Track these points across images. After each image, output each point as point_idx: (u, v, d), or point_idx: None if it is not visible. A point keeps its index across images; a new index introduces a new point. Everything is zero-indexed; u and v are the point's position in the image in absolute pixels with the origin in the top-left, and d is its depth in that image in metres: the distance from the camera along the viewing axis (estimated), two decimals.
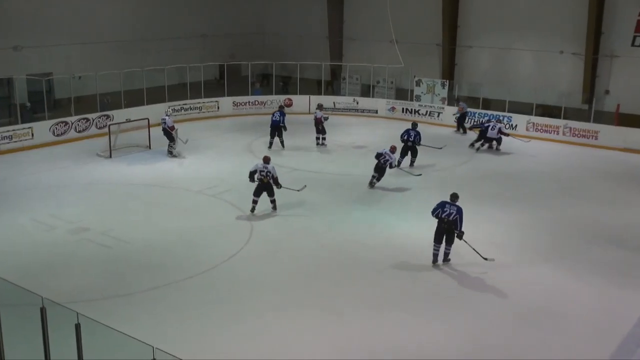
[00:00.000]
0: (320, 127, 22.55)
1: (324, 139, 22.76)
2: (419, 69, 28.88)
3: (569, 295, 11.54)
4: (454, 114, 25.87)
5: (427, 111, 27.27)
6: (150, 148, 21.19)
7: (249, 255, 13.11)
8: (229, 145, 22.19)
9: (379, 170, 17.71)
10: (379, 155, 17.62)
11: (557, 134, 24.10)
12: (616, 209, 16.36)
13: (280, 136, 21.78)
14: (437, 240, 12.60)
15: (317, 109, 23.05)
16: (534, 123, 24.67)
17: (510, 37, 28.10)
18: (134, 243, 13.51)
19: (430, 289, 11.72)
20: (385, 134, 24.46)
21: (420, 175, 18.76)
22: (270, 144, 21.77)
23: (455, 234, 12.41)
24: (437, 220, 12.54)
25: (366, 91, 29.76)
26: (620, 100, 24.41)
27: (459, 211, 12.34)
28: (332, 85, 31.78)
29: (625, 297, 11.46)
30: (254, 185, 15.36)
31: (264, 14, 35.58)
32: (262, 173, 15.26)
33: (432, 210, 12.67)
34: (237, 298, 11.24)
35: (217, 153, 21.23)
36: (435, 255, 12.70)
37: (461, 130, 25.21)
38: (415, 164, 20.02)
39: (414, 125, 20.68)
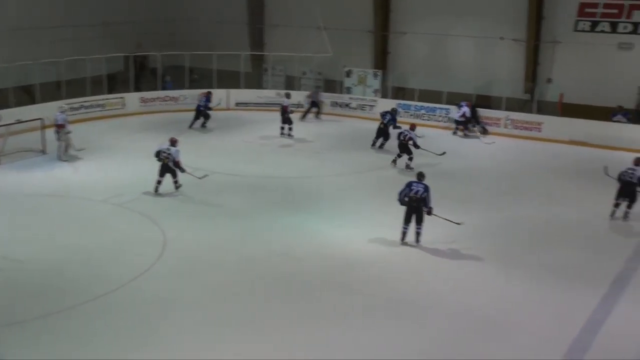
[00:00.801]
0: (286, 117, 23.41)
1: (290, 129, 23.50)
2: (349, 59, 29.04)
3: (516, 301, 11.79)
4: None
5: (358, 104, 27.44)
6: (44, 152, 20.52)
7: (161, 271, 12.84)
8: (138, 147, 21.70)
9: (403, 148, 19.92)
10: (398, 135, 20.17)
11: (499, 126, 24.69)
12: (564, 206, 16.85)
13: (203, 118, 24.30)
14: (407, 221, 13.92)
15: (285, 97, 24.12)
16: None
17: (448, 23, 28.53)
18: (26, 263, 13.01)
19: (366, 301, 11.75)
20: (314, 130, 24.52)
21: (443, 153, 20.55)
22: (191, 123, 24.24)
23: (425, 212, 13.71)
24: (402, 203, 13.91)
25: (291, 83, 29.73)
26: (564, 89, 25.17)
27: (427, 189, 13.72)
28: (261, 78, 31.54)
29: (572, 300, 11.80)
30: (169, 186, 16.08)
31: None
32: (163, 154, 16.77)
33: (398, 193, 13.92)
34: (147, 321, 10.97)
35: (123, 156, 20.77)
36: (404, 234, 13.95)
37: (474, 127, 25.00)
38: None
39: (394, 110, 22.71)
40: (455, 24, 28.31)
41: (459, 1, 28.21)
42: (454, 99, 25.71)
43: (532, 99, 25.56)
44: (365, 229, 15.04)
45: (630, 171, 15.99)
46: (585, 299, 11.76)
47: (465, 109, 24.48)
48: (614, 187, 18.09)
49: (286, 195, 17.44)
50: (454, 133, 24.65)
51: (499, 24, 27.41)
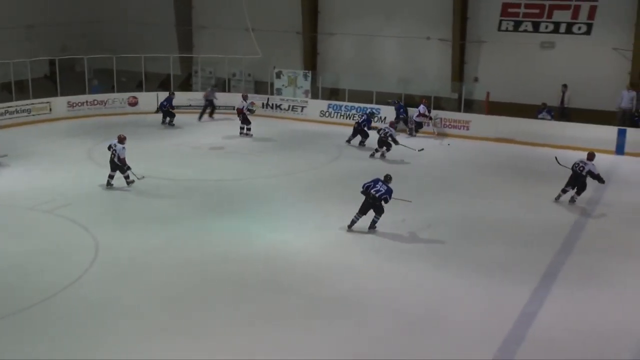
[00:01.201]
0: (242, 117, 24.02)
1: (248, 129, 24.00)
2: (279, 60, 29.03)
3: (451, 297, 11.96)
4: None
5: (289, 105, 27.45)
6: None
7: (95, 278, 12.53)
8: (66, 153, 21.20)
9: (382, 144, 21.40)
10: (378, 130, 21.74)
11: (428, 125, 25.01)
12: (494, 202, 17.19)
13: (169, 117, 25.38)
14: (361, 212, 14.74)
15: (242, 99, 24.51)
16: None
17: (376, 23, 28.83)
18: None
19: (305, 302, 11.74)
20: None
21: (422, 149, 21.63)
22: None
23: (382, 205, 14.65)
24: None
25: (221, 85, 29.51)
26: (490, 87, 25.71)
27: (388, 191, 14.58)
28: (191, 80, 31.17)
29: (505, 294, 12.04)
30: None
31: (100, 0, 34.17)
32: (111, 149, 17.30)
33: (363, 184, 14.80)
34: (81, 331, 10.66)
35: (51, 162, 20.21)
36: (353, 222, 14.78)
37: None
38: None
39: (370, 114, 24.23)
40: (383, 25, 28.62)
41: (386, 2, 28.52)
42: (385, 99, 25.99)
43: (460, 97, 26.05)
44: (302, 229, 15.05)
45: (581, 164, 16.84)
46: (518, 293, 12.01)
47: (422, 108, 24.76)
48: (542, 182, 18.72)
49: (221, 198, 17.30)
50: (410, 134, 24.83)
51: (425, 24, 27.84)
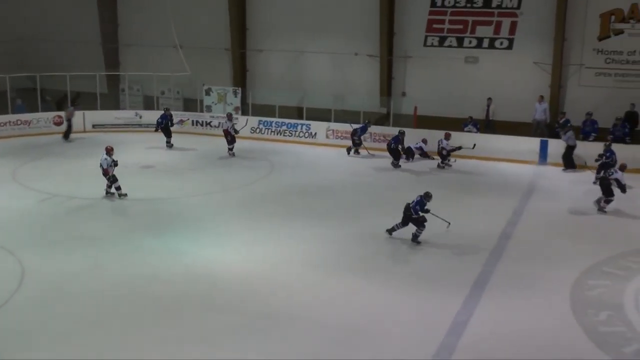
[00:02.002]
0: (229, 138, 23.85)
1: (230, 149, 23.81)
2: (208, 77, 28.91)
3: (383, 309, 12.08)
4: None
5: (220, 122, 27.33)
6: None
7: (20, 304, 12.17)
8: None
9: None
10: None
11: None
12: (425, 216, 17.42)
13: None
14: (402, 223, 15.40)
15: (227, 119, 24.51)
16: (333, 130, 25.72)
17: (304, 40, 29.03)
18: None
19: (235, 319, 11.66)
20: (176, 151, 24.21)
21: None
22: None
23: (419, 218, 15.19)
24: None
25: (150, 103, 29.19)
26: (418, 101, 26.20)
27: (419, 202, 15.27)
28: (118, 98, 30.66)
29: (437, 304, 12.23)
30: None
31: (22, 16, 33.27)
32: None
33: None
34: (8, 357, 10.36)
35: None
36: (393, 229, 15.50)
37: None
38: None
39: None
40: (311, 41, 28.84)
41: (314, 18, 28.74)
42: (315, 115, 26.18)
43: (389, 112, 26.42)
44: (234, 246, 14.99)
45: (611, 170, 18.02)
46: (449, 302, 12.23)
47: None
48: (470, 193, 19.15)
49: (150, 217, 17.06)
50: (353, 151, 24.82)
51: (353, 40, 28.18)
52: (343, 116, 26.24)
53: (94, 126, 27.50)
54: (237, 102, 27.90)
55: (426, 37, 27.41)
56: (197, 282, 13.16)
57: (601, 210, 17.95)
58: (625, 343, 10.90)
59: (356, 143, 24.44)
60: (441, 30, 27.22)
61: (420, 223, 15.16)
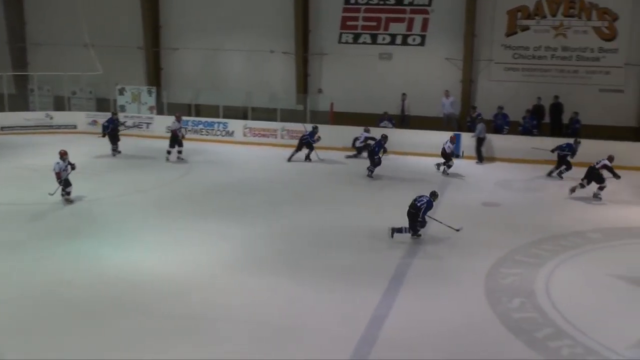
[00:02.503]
0: (177, 140, 22.70)
1: (179, 152, 22.79)
2: (122, 76, 28.40)
3: (304, 306, 12.12)
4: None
5: (134, 122, 26.88)
6: None
7: None
8: None
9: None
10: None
11: (276, 137, 25.36)
12: (343, 210, 17.63)
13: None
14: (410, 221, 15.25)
15: (175, 119, 23.05)
16: (250, 128, 25.67)
17: (219, 38, 28.87)
18: None
19: (157, 323, 11.49)
20: (90, 151, 23.64)
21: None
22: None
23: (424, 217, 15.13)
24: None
25: (61, 103, 28.41)
26: (334, 98, 26.47)
27: (428, 203, 15.10)
28: (27, 99, 29.67)
29: (357, 298, 12.34)
30: None
31: None
32: None
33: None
34: None
35: None
36: (400, 229, 15.26)
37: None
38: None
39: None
40: (227, 39, 28.72)
41: (229, 16, 28.61)
42: (232, 113, 26.07)
43: (305, 109, 26.58)
44: (151, 248, 14.73)
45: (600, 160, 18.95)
46: (369, 297, 12.39)
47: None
48: (387, 187, 19.46)
49: (66, 221, 16.62)
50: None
51: (268, 38, 28.21)
52: (259, 114, 26.28)
53: (2, 128, 26.64)
54: (151, 101, 27.51)
55: (341, 34, 27.71)
56: (116, 285, 12.89)
57: (596, 197, 19.04)
58: (537, 328, 11.29)
59: (308, 147, 23.51)
60: (355, 28, 27.58)
61: (423, 222, 15.31)
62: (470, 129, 24.41)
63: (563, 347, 10.69)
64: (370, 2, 27.25)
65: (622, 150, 21.32)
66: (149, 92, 27.57)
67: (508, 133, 24.43)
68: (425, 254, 14.73)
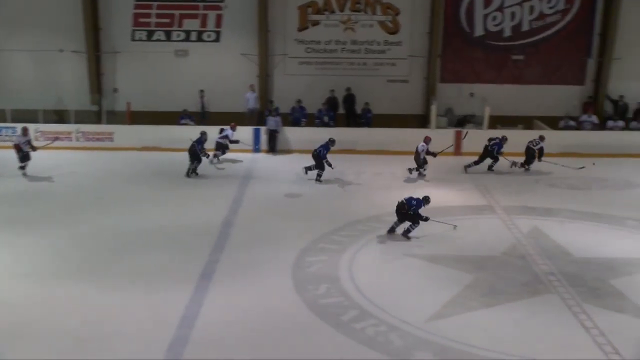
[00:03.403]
0: (20, 155, 20.61)
1: (22, 167, 20.73)
2: None
3: (113, 313, 11.70)
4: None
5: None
6: None
7: None
8: None
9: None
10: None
11: (71, 140, 24.24)
12: (147, 211, 17.22)
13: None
14: (399, 220, 15.49)
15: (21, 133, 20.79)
16: (42, 131, 24.27)
17: (0, 38, 26.97)
18: None
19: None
20: None
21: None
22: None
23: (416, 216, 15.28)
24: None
25: None
26: (131, 97, 25.76)
27: (418, 203, 15.28)
28: None
29: (166, 300, 12.14)
30: None
31: None
32: None
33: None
34: None
35: None
36: (393, 229, 15.54)
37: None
38: None
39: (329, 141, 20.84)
40: (9, 38, 26.88)
41: (8, 14, 26.78)
42: (22, 117, 24.48)
43: (101, 109, 25.63)
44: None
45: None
46: (177, 297, 12.21)
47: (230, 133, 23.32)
48: (190, 185, 19.29)
49: None
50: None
51: (56, 36, 26.78)
52: (53, 116, 25.00)
53: None
54: None
55: (134, 31, 26.97)
56: None
57: (514, 165, 21.80)
58: (343, 311, 11.75)
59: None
60: (148, 25, 26.97)
61: (416, 220, 15.29)
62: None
63: (368, 327, 11.22)
64: None
65: (412, 136, 22.60)
66: None
67: (306, 125, 25.11)
68: (233, 248, 14.77)
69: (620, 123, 25.84)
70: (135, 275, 13.26)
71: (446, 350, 10.56)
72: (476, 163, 21.73)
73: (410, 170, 21.10)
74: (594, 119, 25.99)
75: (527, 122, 26.25)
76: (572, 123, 25.73)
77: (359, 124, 25.65)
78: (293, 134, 24.52)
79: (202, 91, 26.08)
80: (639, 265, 14.11)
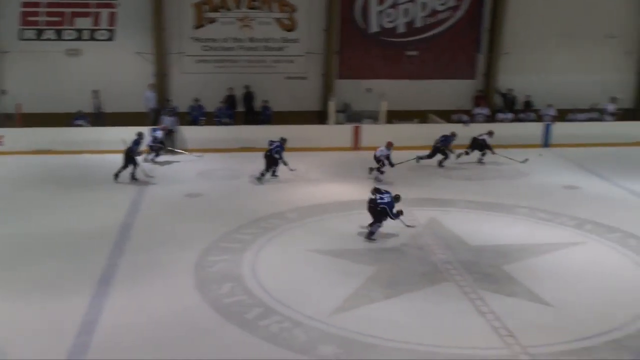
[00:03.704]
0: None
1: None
2: None
3: (9, 322, 11.23)
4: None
5: None
6: None
7: None
8: None
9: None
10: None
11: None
12: (43, 217, 16.60)
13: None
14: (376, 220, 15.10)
15: None
16: None
17: None
18: None
19: None
20: None
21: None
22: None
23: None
24: None
25: None
26: (21, 99, 24.80)
27: (389, 203, 14.86)
28: None
29: (64, 307, 11.76)
30: None
31: None
32: None
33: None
34: None
35: None
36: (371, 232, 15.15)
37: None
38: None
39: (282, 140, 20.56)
40: None
41: None
42: None
43: None
44: None
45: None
46: (75, 303, 11.87)
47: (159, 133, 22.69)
48: (86, 188, 18.80)
49: None
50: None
51: None
52: None
53: None
54: None
55: (22, 30, 25.93)
56: None
57: (455, 154, 22.43)
58: (247, 310, 11.74)
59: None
60: (37, 23, 25.99)
61: (381, 219, 14.98)
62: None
63: (272, 324, 11.25)
64: None
65: (311, 132, 22.80)
66: None
67: (205, 124, 24.86)
68: (132, 251, 14.47)
69: (510, 115, 26.90)
70: (29, 284, 12.76)
71: (350, 342, 10.72)
72: (429, 157, 22.35)
73: (370, 169, 20.75)
74: (486, 111, 26.94)
75: (422, 116, 26.91)
76: (465, 118, 26.52)
77: (258, 121, 25.60)
78: (192, 133, 24.22)
79: (96, 91, 25.35)
80: (529, 250, 14.75)
